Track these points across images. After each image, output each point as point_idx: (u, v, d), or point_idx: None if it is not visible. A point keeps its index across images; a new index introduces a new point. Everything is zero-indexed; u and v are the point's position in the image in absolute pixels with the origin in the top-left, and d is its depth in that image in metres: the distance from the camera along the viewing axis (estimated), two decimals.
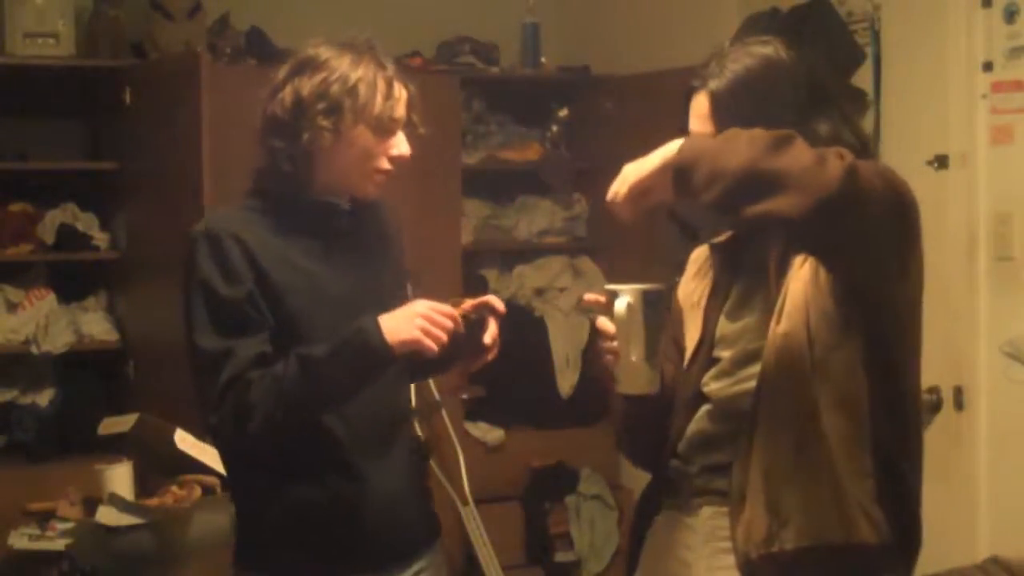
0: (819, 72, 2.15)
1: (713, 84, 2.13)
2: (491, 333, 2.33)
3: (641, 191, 2.03)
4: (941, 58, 3.90)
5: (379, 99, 2.35)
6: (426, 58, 5.05)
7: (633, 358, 2.12)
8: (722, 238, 2.25)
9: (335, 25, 5.09)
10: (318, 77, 2.35)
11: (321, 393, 2.26)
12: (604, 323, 2.15)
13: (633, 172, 2.03)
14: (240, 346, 2.27)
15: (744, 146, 1.92)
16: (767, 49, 2.15)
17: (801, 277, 2.09)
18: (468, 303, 2.36)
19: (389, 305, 2.30)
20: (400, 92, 2.39)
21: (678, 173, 1.97)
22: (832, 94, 2.14)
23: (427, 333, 2.23)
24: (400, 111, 2.39)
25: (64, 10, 4.63)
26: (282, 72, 2.39)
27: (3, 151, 4.68)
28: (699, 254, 2.34)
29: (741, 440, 2.10)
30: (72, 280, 4.82)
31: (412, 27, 5.11)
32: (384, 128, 2.37)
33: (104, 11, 4.74)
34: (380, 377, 2.29)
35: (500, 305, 2.34)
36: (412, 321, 2.24)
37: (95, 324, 4.73)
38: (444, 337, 2.24)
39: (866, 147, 2.14)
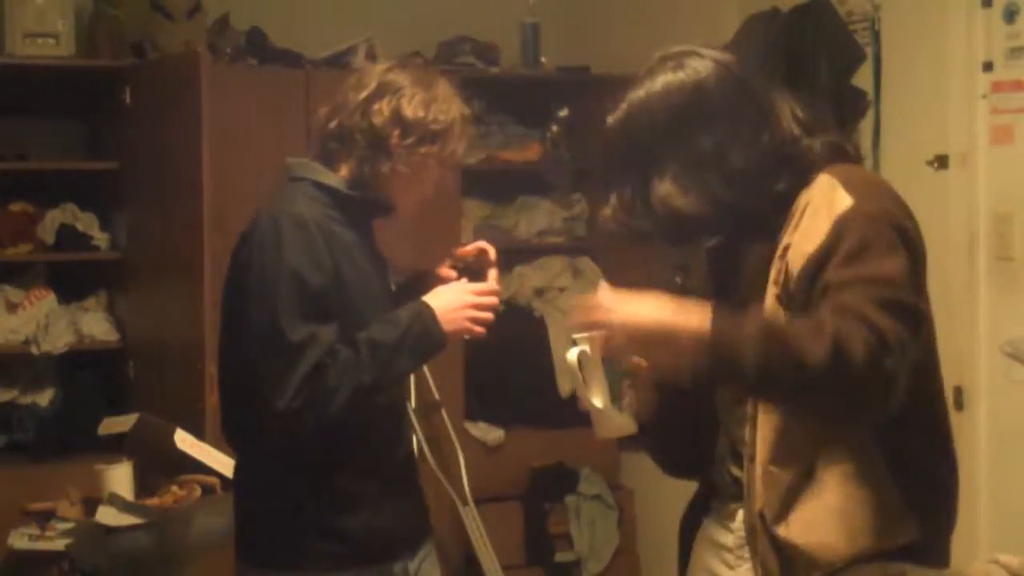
0: (718, 89, 2.06)
1: (608, 119, 2.10)
2: (493, 278, 2.57)
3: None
4: (941, 58, 3.91)
5: (457, 140, 2.52)
6: (426, 58, 5.05)
7: (598, 405, 2.10)
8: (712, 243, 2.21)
9: (335, 25, 5.15)
10: (420, 106, 2.47)
11: (391, 376, 2.43)
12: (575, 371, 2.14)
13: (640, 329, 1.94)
14: (323, 332, 2.36)
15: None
16: (660, 79, 2.08)
17: (770, 296, 2.05)
18: (466, 249, 2.59)
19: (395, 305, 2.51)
20: (469, 133, 2.57)
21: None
22: (721, 113, 2.03)
23: (476, 321, 2.49)
24: (464, 150, 2.57)
25: (64, 10, 4.63)
26: (370, 87, 2.48)
27: (3, 151, 4.68)
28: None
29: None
30: (72, 280, 4.81)
31: (412, 27, 5.11)
32: (449, 163, 2.55)
33: (104, 11, 4.74)
34: (435, 356, 2.53)
35: (493, 251, 2.57)
36: (462, 312, 2.49)
37: (95, 324, 4.73)
38: (491, 317, 2.52)
39: (775, 151, 2.05)
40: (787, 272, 2.00)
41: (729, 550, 2.20)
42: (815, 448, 2.02)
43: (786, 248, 2.01)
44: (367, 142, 2.47)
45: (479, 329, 2.51)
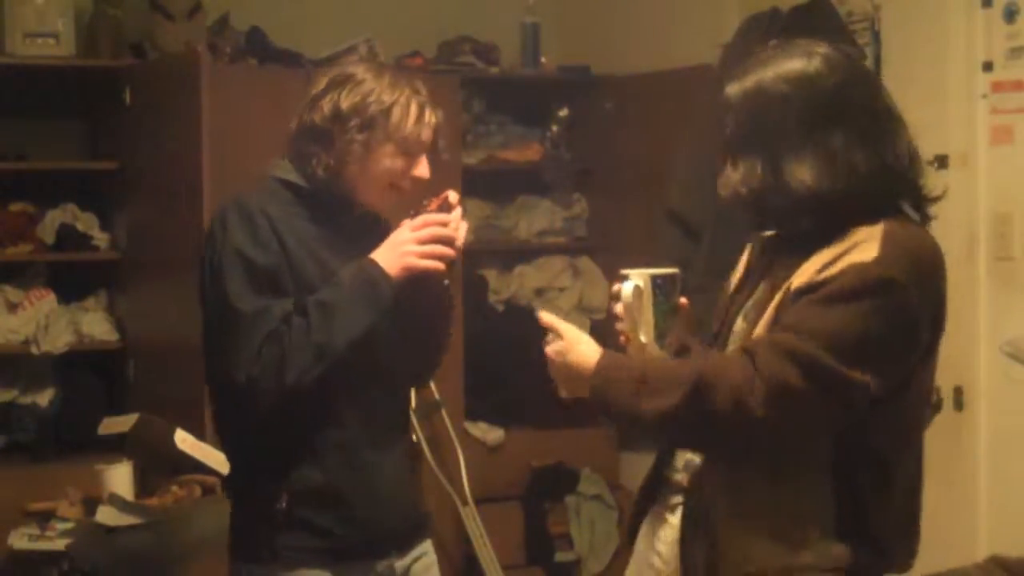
0: (853, 88, 2.09)
1: (730, 87, 2.11)
2: (453, 218, 2.48)
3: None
4: (941, 58, 3.91)
5: (410, 122, 2.49)
6: (426, 58, 5.05)
7: (643, 339, 2.18)
8: (770, 232, 2.21)
9: (335, 25, 5.15)
10: (358, 93, 2.49)
11: (345, 333, 2.39)
12: (617, 307, 2.21)
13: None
14: (275, 304, 2.40)
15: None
16: (796, 63, 2.08)
17: (767, 318, 2.08)
18: (432, 204, 2.49)
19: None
20: (430, 117, 2.52)
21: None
22: (854, 112, 2.07)
23: (422, 256, 2.43)
24: (427, 135, 2.52)
25: (64, 10, 4.63)
26: (321, 84, 2.53)
27: (3, 151, 4.68)
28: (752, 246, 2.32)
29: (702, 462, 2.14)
30: (72, 280, 4.81)
31: (412, 27, 5.11)
32: (410, 150, 2.51)
33: (104, 11, 4.74)
34: (389, 305, 2.43)
35: (455, 197, 2.49)
36: (402, 248, 2.44)
37: (95, 324, 4.73)
38: (444, 252, 2.44)
39: (887, 169, 2.08)
40: (789, 287, 2.04)
41: (669, 544, 2.21)
42: (770, 458, 2.05)
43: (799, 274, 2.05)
44: (313, 138, 2.50)
45: (429, 263, 2.44)
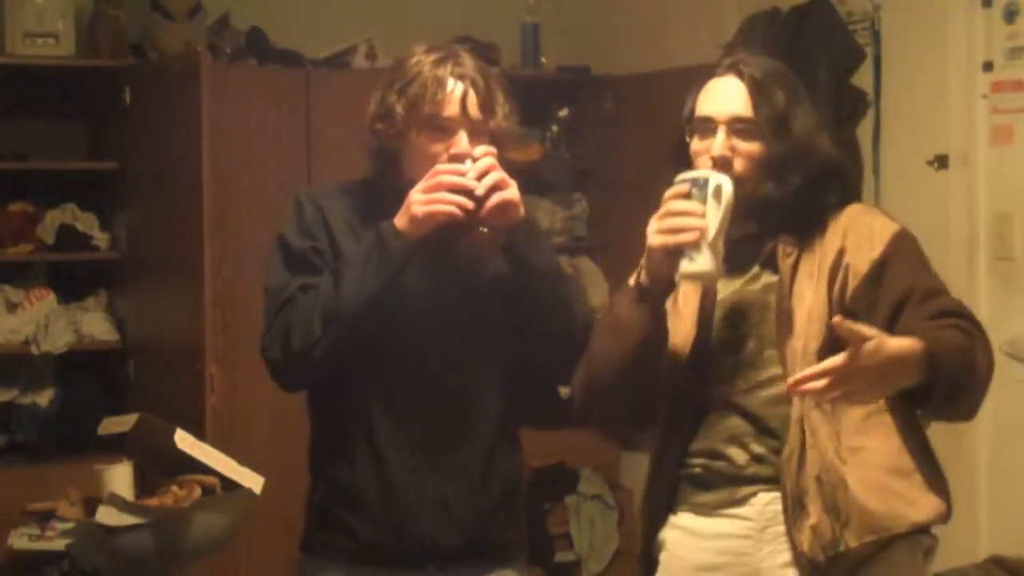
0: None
1: (754, 71, 2.27)
2: (475, 175, 2.31)
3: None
4: (941, 58, 3.91)
5: (427, 99, 2.35)
6: None
7: (720, 244, 2.13)
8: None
9: (335, 25, 5.14)
10: (382, 85, 2.43)
11: (348, 292, 2.31)
12: (691, 205, 2.14)
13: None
14: (296, 278, 2.39)
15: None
16: (776, 64, 2.35)
17: (813, 291, 2.21)
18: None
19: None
20: (453, 90, 2.36)
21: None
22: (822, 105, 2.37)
23: (426, 203, 2.28)
24: (450, 109, 2.36)
25: (64, 10, 4.63)
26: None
27: (3, 151, 4.68)
28: None
29: (785, 445, 2.20)
30: (72, 280, 4.81)
31: (412, 27, 5.09)
32: (437, 127, 2.37)
33: (104, 11, 4.74)
34: (400, 264, 2.33)
35: (480, 151, 2.32)
36: (410, 200, 2.30)
37: (95, 324, 4.73)
38: (455, 199, 2.28)
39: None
40: (847, 274, 2.20)
41: (744, 536, 2.24)
42: (866, 419, 2.21)
43: (840, 253, 2.21)
44: (370, 139, 2.45)
45: (432, 209, 2.28)
